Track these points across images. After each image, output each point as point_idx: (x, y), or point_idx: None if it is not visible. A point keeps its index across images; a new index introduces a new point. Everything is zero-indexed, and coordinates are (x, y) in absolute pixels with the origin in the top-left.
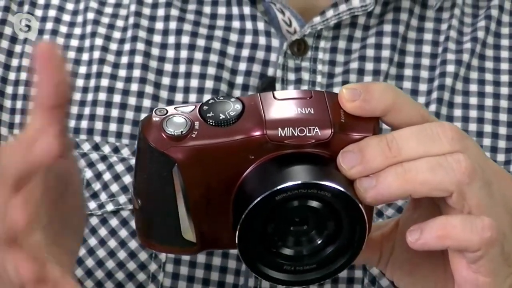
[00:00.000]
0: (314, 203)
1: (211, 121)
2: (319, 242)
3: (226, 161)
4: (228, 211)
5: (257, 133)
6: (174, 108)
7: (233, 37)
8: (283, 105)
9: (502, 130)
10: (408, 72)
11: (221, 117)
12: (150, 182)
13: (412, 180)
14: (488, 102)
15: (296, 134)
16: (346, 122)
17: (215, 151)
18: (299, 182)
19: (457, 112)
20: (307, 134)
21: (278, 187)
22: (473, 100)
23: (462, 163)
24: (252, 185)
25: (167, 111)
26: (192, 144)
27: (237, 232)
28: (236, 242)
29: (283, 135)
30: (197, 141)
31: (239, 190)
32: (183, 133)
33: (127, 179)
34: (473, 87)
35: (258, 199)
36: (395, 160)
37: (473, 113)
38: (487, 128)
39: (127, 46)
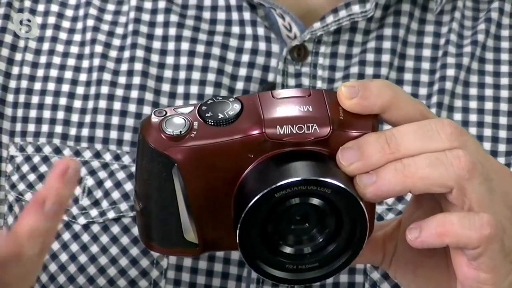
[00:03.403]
0: (315, 201)
1: (210, 121)
2: (320, 240)
3: (225, 160)
4: (229, 211)
5: (256, 131)
6: (173, 109)
7: (233, 42)
8: (281, 104)
9: (502, 134)
10: (408, 76)
11: (220, 117)
12: (150, 183)
13: (412, 176)
14: (488, 105)
15: (295, 132)
16: (345, 119)
17: (214, 151)
18: (299, 178)
19: (457, 116)
20: (306, 132)
21: (278, 184)
22: (473, 104)
23: (461, 158)
24: (252, 183)
25: (166, 112)
26: (192, 144)
27: (237, 231)
28: (237, 241)
29: (282, 133)
30: (196, 141)
31: (239, 189)
32: (182, 133)
33: (128, 186)
34: (473, 91)
35: (258, 196)
36: (394, 156)
37: (473, 117)
38: (487, 132)
39: (126, 53)
